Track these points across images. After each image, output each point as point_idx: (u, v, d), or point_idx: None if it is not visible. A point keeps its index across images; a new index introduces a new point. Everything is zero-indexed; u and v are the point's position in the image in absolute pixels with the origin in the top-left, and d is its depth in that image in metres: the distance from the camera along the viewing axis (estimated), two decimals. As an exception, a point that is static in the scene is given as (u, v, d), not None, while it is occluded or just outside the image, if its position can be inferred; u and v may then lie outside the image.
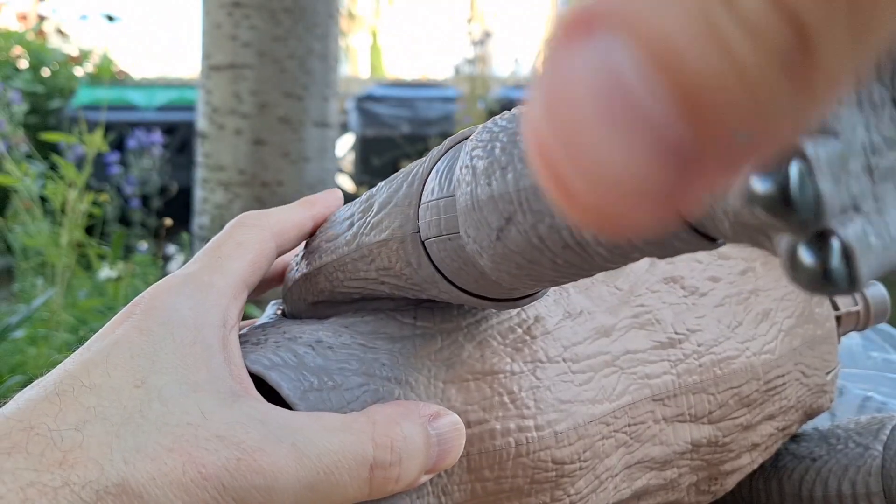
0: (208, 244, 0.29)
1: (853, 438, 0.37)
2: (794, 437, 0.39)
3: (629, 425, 0.31)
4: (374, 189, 0.28)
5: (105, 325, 0.26)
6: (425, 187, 0.25)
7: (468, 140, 0.23)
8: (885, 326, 0.67)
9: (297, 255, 0.32)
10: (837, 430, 0.38)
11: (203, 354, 0.24)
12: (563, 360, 0.30)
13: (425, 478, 0.26)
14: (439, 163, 0.25)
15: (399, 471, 0.25)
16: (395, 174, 0.28)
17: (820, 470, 0.36)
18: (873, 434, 0.36)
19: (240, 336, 0.28)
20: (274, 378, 0.26)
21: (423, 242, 0.25)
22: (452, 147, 0.26)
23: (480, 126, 0.23)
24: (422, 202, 0.25)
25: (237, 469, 0.22)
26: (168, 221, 2.26)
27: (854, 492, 0.35)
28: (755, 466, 0.36)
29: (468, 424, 0.27)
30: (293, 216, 0.30)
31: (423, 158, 0.27)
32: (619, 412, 0.30)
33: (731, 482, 0.35)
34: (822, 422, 0.41)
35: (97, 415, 0.22)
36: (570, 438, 0.29)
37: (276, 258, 0.30)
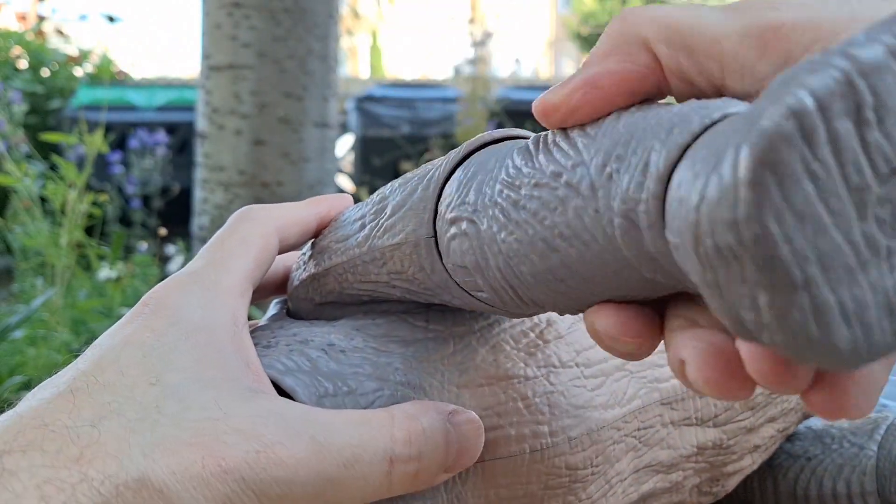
0: (212, 239, 0.28)
1: (848, 438, 0.37)
2: (790, 437, 0.39)
3: (639, 429, 0.31)
4: (386, 190, 0.28)
5: (114, 325, 0.25)
6: (443, 194, 0.25)
7: (498, 181, 0.23)
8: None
9: (303, 254, 0.32)
10: (832, 429, 0.38)
11: (217, 354, 0.24)
12: (576, 364, 0.30)
13: (444, 476, 0.26)
14: (458, 171, 0.25)
15: (419, 466, 0.25)
16: (409, 175, 0.27)
17: (815, 469, 0.37)
18: (868, 434, 0.36)
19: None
20: (289, 383, 0.25)
21: (437, 248, 0.25)
22: (471, 153, 0.25)
23: (509, 163, 0.23)
24: (438, 212, 0.25)
25: (257, 462, 0.22)
26: (163, 231, 2.27)
27: (849, 491, 0.35)
28: (755, 467, 0.36)
29: None
30: (297, 212, 0.30)
31: (439, 160, 0.26)
32: (630, 416, 0.30)
33: (732, 483, 0.35)
34: (815, 421, 0.41)
35: (113, 411, 0.22)
36: (584, 444, 0.29)
37: (279, 254, 0.30)
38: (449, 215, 0.24)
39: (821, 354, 0.15)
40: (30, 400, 0.23)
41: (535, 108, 0.23)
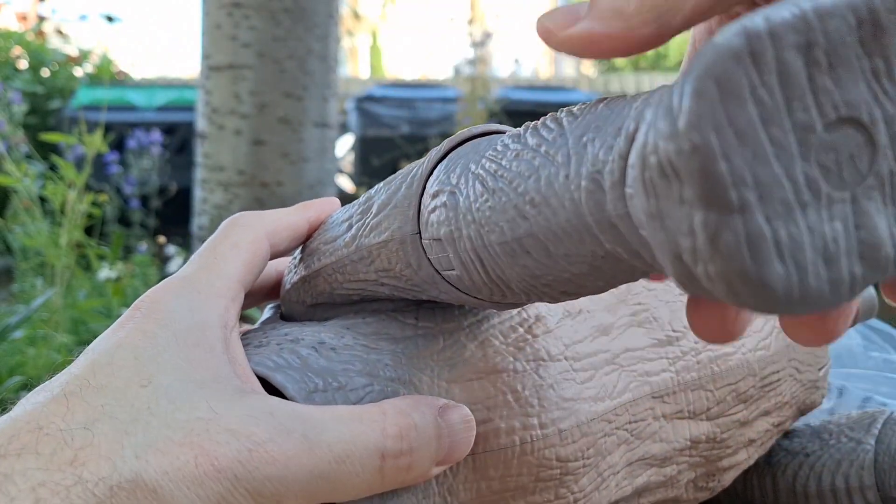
0: (204, 245, 0.29)
1: (845, 433, 0.37)
2: (787, 434, 0.39)
3: (630, 422, 0.31)
4: (372, 190, 0.28)
5: (107, 329, 0.26)
6: (425, 190, 0.25)
7: (484, 156, 0.23)
8: (885, 327, 0.67)
9: (294, 258, 0.32)
10: (830, 425, 0.38)
11: (206, 355, 0.25)
12: (565, 358, 0.30)
13: (437, 470, 0.26)
14: (438, 168, 0.25)
15: (410, 460, 0.25)
16: (393, 175, 0.28)
17: (813, 465, 0.37)
18: (865, 428, 0.37)
19: (241, 338, 0.28)
20: (279, 379, 0.26)
21: (422, 243, 0.25)
22: (452, 150, 0.26)
23: (498, 142, 0.23)
24: (422, 207, 0.25)
25: (249, 460, 0.22)
26: (162, 240, 2.28)
27: (847, 486, 0.35)
28: (751, 462, 0.36)
29: None
30: (287, 217, 0.31)
31: (422, 159, 0.27)
32: (621, 409, 0.30)
33: (728, 478, 0.35)
34: (813, 418, 0.41)
35: (106, 413, 0.22)
36: (574, 436, 0.29)
37: (270, 259, 0.31)
38: (432, 190, 0.25)
39: (754, 292, 0.15)
40: (24, 404, 0.23)
41: (538, 26, 0.22)
